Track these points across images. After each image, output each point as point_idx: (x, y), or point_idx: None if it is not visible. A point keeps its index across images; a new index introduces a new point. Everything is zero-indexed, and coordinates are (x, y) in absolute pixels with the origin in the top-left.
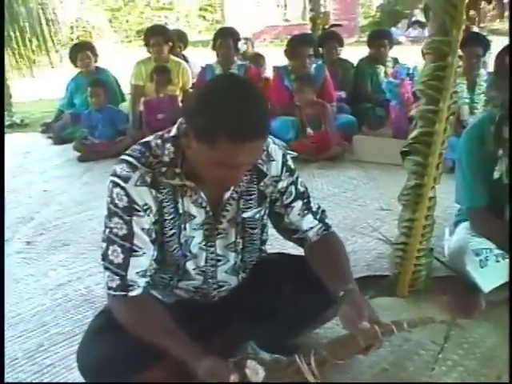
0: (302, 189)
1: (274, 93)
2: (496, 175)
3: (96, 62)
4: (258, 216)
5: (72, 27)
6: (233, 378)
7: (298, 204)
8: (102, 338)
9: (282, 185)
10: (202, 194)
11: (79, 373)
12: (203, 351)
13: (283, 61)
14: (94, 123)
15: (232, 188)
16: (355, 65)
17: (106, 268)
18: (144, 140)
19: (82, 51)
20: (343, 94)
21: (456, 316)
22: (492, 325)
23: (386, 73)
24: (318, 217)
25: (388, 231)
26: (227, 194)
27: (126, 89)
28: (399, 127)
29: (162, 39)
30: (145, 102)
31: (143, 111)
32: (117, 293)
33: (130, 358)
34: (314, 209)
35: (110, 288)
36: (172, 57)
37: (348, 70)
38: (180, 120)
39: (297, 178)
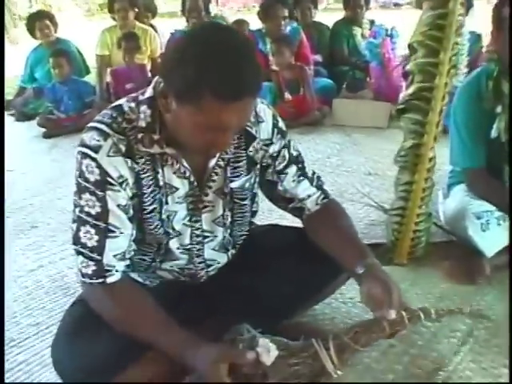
0: (295, 153)
1: None
2: (494, 134)
3: (56, 32)
4: (247, 185)
5: (30, 0)
6: (249, 355)
7: (292, 169)
8: (79, 332)
9: (273, 149)
10: (185, 163)
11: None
12: (200, 338)
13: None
14: (58, 97)
15: (218, 155)
16: (330, 27)
17: (79, 252)
18: (115, 104)
19: (40, 20)
20: (319, 58)
21: (459, 282)
22: (497, 290)
23: (363, 35)
24: (314, 183)
25: (378, 197)
26: (212, 162)
27: (90, 62)
28: (380, 89)
29: (128, 3)
30: (112, 72)
31: (110, 81)
32: (93, 280)
33: (112, 353)
34: (310, 174)
35: (84, 275)
36: (139, 24)
37: (323, 32)
38: (156, 79)
39: (289, 142)
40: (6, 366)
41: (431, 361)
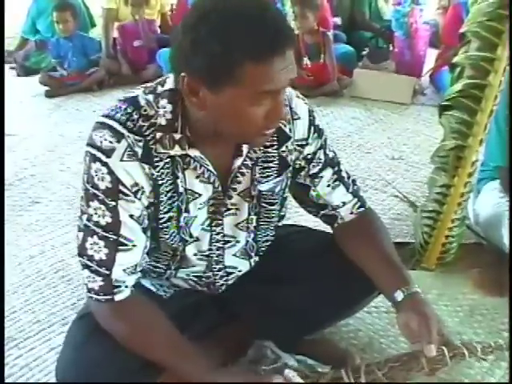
0: (331, 154)
1: None
2: None
3: None
4: (278, 189)
5: None
6: (275, 381)
7: (328, 173)
8: (89, 349)
9: (308, 150)
10: (210, 167)
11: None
12: (217, 364)
13: None
14: (62, 53)
15: (245, 152)
16: None
17: (85, 266)
18: (129, 95)
19: None
20: (339, 21)
21: (490, 294)
22: None
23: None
24: (350, 189)
25: (402, 186)
26: (239, 161)
27: (96, 12)
28: (403, 61)
29: None
30: (119, 28)
31: (117, 38)
32: (100, 297)
33: (124, 376)
34: (346, 179)
35: (90, 290)
36: None
37: None
38: (177, 77)
39: (325, 141)
40: (6, 370)
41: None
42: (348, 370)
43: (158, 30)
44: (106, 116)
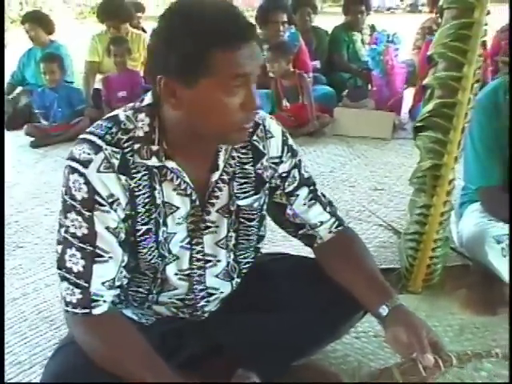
0: (306, 174)
1: None
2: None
3: (51, 34)
4: (256, 205)
5: (21, 3)
6: None
7: (304, 192)
8: (66, 375)
9: (283, 168)
10: (187, 178)
11: None
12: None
13: None
14: (48, 103)
15: (221, 167)
16: (330, 32)
17: (64, 278)
18: (111, 114)
19: (33, 22)
20: (318, 64)
21: (479, 313)
22: None
23: (363, 40)
24: (328, 209)
25: (386, 215)
26: (215, 175)
27: (80, 67)
28: (382, 98)
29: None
30: (103, 80)
31: (102, 89)
32: (77, 310)
33: None
34: (322, 198)
35: (68, 304)
36: (132, 29)
37: (322, 38)
38: (157, 80)
39: (300, 161)
40: None
41: None
42: None
43: (142, 81)
44: (87, 132)
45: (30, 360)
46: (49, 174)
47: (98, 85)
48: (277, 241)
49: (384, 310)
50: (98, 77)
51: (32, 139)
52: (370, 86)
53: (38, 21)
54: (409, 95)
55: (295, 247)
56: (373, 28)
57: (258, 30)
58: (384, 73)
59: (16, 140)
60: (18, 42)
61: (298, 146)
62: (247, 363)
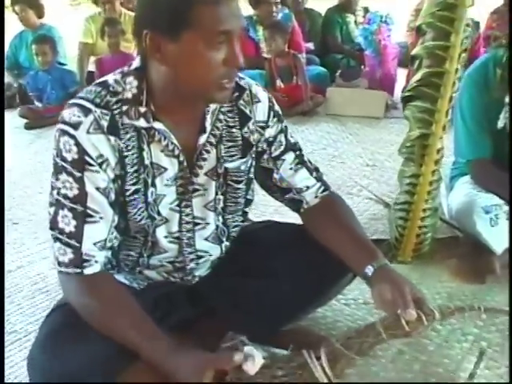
0: (292, 140)
1: None
2: (500, 124)
3: (41, 17)
4: (243, 167)
5: None
6: (237, 357)
7: (290, 156)
8: (58, 342)
9: (269, 132)
10: (174, 140)
11: None
12: (182, 345)
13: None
14: (41, 85)
15: (209, 130)
16: (323, 14)
17: (56, 239)
18: (100, 79)
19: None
20: (311, 46)
21: (468, 281)
22: (507, 289)
23: (356, 22)
24: (314, 174)
25: (377, 189)
26: (203, 138)
27: (72, 52)
28: (375, 77)
29: None
30: (97, 61)
31: (95, 71)
32: (69, 269)
33: (94, 366)
34: (309, 164)
35: (60, 263)
36: (124, 10)
37: (315, 19)
38: (143, 35)
39: (286, 127)
40: None
41: (444, 368)
42: (310, 350)
43: None
44: (77, 97)
45: (26, 329)
46: (43, 155)
47: (91, 67)
48: (268, 214)
49: (370, 270)
50: (92, 60)
51: (26, 121)
52: (362, 67)
53: (28, 2)
54: (401, 76)
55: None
56: (366, 10)
57: (251, 11)
58: (377, 52)
59: (11, 122)
60: (8, 25)
61: (291, 124)
62: (237, 326)
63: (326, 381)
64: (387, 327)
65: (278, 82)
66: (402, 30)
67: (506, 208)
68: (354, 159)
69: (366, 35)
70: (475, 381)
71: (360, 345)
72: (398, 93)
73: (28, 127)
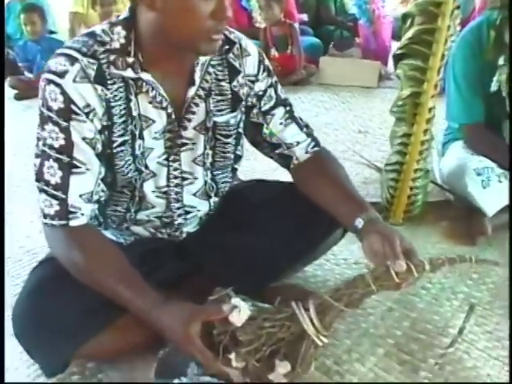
0: (283, 95)
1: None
2: (494, 87)
3: None
4: (232, 122)
5: None
6: (225, 308)
7: (280, 111)
8: (44, 292)
9: (259, 86)
10: (162, 91)
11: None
12: (169, 299)
13: None
14: (30, 56)
15: (198, 83)
16: None
17: (42, 190)
18: (87, 30)
19: None
20: (305, 17)
21: (458, 243)
22: (498, 251)
23: None
24: (304, 130)
25: (370, 155)
26: (192, 91)
27: (63, 24)
28: (369, 47)
29: None
30: None
31: None
32: (54, 221)
33: (79, 316)
34: (299, 119)
35: (46, 216)
36: None
37: None
38: None
39: (276, 82)
40: None
41: (433, 325)
42: (298, 301)
43: None
44: (64, 47)
45: (12, 290)
46: (33, 125)
47: None
48: None
49: (360, 223)
50: (84, 31)
51: (16, 92)
52: (356, 38)
53: None
54: (395, 48)
55: None
56: None
57: None
58: (370, 22)
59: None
60: None
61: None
62: (225, 282)
63: (314, 332)
64: (377, 278)
65: (273, 51)
66: (395, 2)
67: (499, 171)
68: (346, 126)
69: (359, 4)
70: (465, 337)
71: (349, 296)
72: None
73: (18, 98)
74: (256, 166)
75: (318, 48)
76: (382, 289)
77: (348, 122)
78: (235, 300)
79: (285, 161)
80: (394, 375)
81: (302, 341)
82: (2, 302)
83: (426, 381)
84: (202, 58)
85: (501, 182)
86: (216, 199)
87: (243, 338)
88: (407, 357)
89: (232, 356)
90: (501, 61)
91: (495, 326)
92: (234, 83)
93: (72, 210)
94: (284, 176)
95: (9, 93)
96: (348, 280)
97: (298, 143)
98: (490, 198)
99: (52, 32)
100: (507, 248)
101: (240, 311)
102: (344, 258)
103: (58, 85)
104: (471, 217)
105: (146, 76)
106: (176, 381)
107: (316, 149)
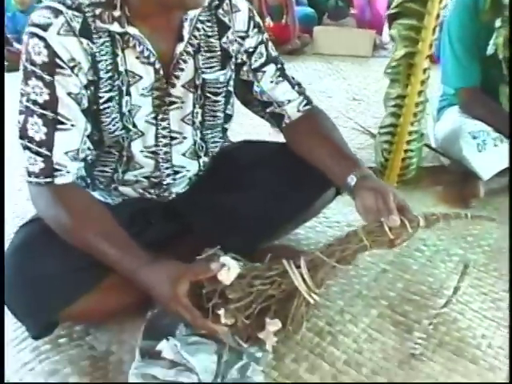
0: (273, 53)
1: None
2: (490, 50)
3: None
4: (222, 79)
5: None
6: (214, 266)
7: (271, 69)
8: (30, 249)
9: (249, 43)
10: (149, 46)
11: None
12: (157, 258)
13: None
14: (19, 27)
15: (186, 39)
16: None
17: (26, 147)
18: None
19: None
20: None
21: (453, 206)
22: (494, 215)
23: None
24: (296, 88)
25: (364, 122)
26: (180, 47)
27: None
28: (363, 17)
29: None
30: None
31: None
32: (39, 179)
33: (65, 275)
34: (291, 78)
35: (30, 174)
36: None
37: None
38: None
39: (267, 40)
40: None
41: (427, 286)
42: (289, 259)
43: None
44: (47, 0)
45: None
46: None
47: None
48: None
49: (352, 180)
50: None
51: (6, 63)
52: (351, 8)
53: None
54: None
55: None
56: None
57: None
58: None
59: None
60: None
61: None
62: (215, 242)
63: (305, 290)
64: (370, 233)
65: (267, 21)
66: None
67: (494, 134)
68: (340, 94)
69: None
70: (460, 299)
71: (341, 252)
72: (386, 32)
73: (7, 70)
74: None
75: (312, 18)
76: (376, 245)
77: (342, 90)
78: (224, 258)
79: (276, 120)
80: (387, 336)
81: (293, 298)
82: (2, 303)
83: (420, 341)
84: (191, 13)
85: (496, 145)
86: (206, 159)
87: (232, 296)
88: (401, 318)
89: (221, 312)
90: (498, 23)
91: (490, 287)
92: (224, 39)
93: (57, 167)
94: None
95: None
96: (340, 236)
97: (290, 101)
98: (485, 161)
99: (40, 1)
100: (502, 212)
101: (229, 269)
102: (337, 220)
103: (41, 38)
104: (466, 182)
105: (132, 30)
106: (164, 341)
107: (308, 107)
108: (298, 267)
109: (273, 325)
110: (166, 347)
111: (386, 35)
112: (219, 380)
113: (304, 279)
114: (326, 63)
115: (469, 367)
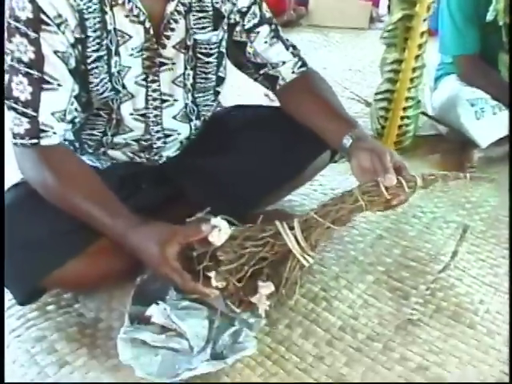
0: (268, 14)
1: None
2: (489, 17)
3: None
4: (214, 39)
5: None
6: (205, 228)
7: (265, 29)
8: (19, 213)
9: (242, 3)
10: (139, 3)
11: None
12: (146, 221)
13: None
14: None
15: None
16: None
17: (11, 108)
18: None
19: None
20: None
21: (450, 173)
22: (490, 183)
23: None
24: (290, 50)
25: (360, 92)
26: (171, 6)
27: None
28: None
29: None
30: None
31: None
32: (24, 140)
33: (53, 237)
34: (285, 39)
35: (15, 135)
36: None
37: None
38: None
39: (261, 0)
40: None
41: (425, 252)
42: (283, 221)
43: None
44: None
45: None
46: None
47: None
48: None
49: (348, 141)
50: None
51: None
52: None
53: None
54: None
55: None
56: None
57: None
58: None
59: None
60: None
61: None
62: (207, 206)
63: (299, 251)
64: (365, 193)
65: None
66: None
67: (492, 102)
68: (335, 65)
69: None
70: (458, 265)
71: (336, 212)
72: (383, 5)
73: None
74: None
75: None
76: (372, 206)
77: (337, 61)
78: (215, 220)
79: (270, 82)
80: (383, 302)
81: (287, 261)
82: (2, 304)
83: (417, 307)
84: None
85: (495, 113)
86: (197, 122)
87: (223, 257)
88: (398, 284)
89: (212, 274)
90: None
91: (488, 253)
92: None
93: (43, 128)
94: None
95: None
96: (335, 196)
97: (284, 63)
98: (483, 129)
99: None
100: (500, 181)
101: (220, 230)
102: (332, 188)
103: None
104: (463, 150)
105: None
106: (154, 305)
107: (303, 69)
108: (292, 229)
109: (265, 288)
110: (155, 312)
111: (382, 7)
112: (210, 345)
113: (298, 240)
114: (322, 35)
115: (466, 332)
